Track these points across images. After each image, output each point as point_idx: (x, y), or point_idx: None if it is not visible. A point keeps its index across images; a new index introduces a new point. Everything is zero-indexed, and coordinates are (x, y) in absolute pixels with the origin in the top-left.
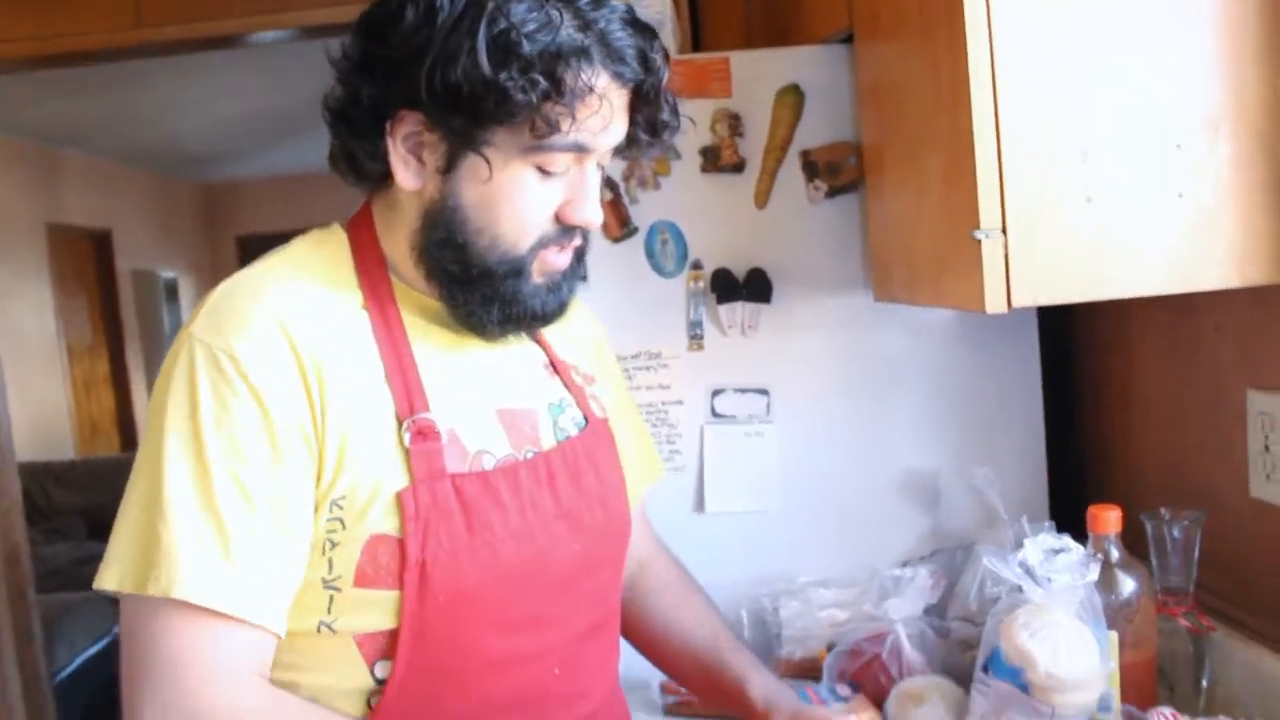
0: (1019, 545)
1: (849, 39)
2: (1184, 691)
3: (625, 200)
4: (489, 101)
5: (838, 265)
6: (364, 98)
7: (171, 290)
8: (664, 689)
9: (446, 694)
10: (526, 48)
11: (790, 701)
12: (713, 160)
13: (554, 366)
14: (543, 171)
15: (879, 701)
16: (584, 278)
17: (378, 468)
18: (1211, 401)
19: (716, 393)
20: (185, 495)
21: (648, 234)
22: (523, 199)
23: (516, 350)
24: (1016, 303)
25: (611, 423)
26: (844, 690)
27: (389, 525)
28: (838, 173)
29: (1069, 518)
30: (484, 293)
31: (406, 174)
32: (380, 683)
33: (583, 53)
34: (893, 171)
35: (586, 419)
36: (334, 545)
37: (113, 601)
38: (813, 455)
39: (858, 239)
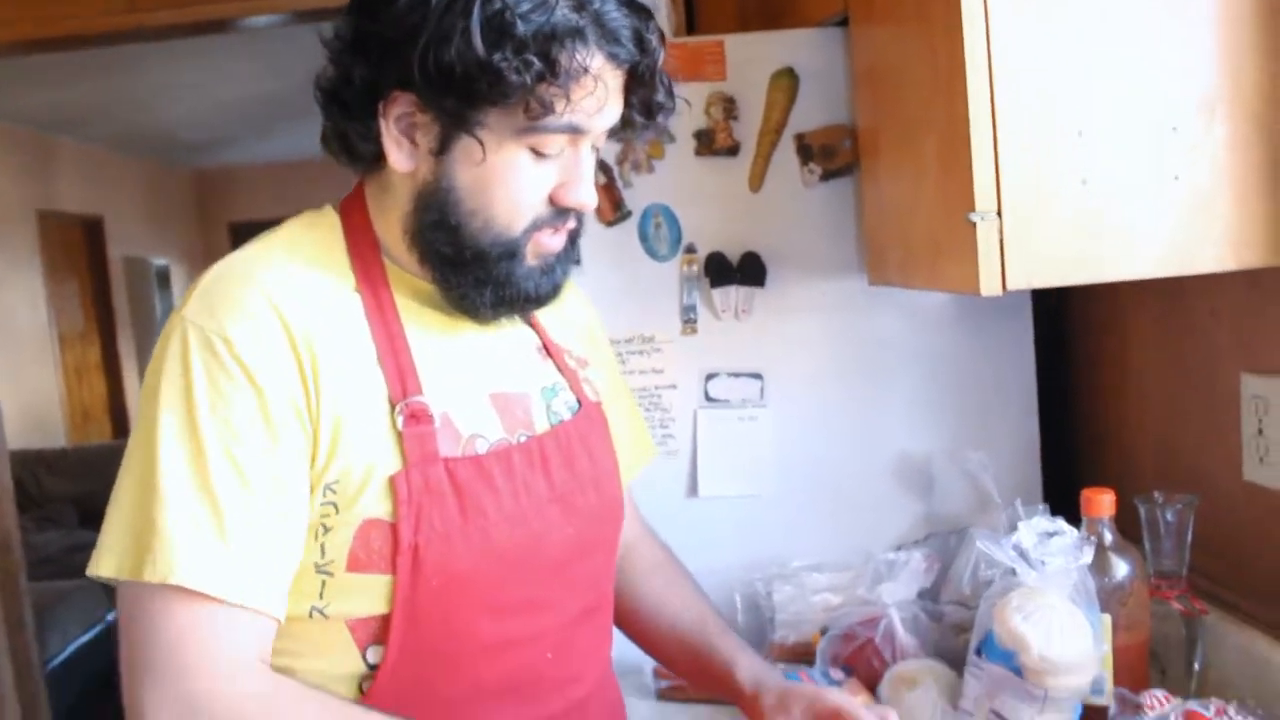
0: (1013, 529)
1: (844, 22)
2: (1176, 674)
3: (619, 184)
4: (483, 82)
5: (832, 249)
6: (356, 78)
7: (163, 277)
8: (657, 673)
9: (439, 678)
10: (521, 28)
11: (778, 682)
12: (707, 143)
13: (547, 350)
14: (537, 153)
15: (872, 685)
16: (577, 261)
17: (371, 451)
18: (1205, 385)
19: (710, 377)
20: (181, 479)
21: (641, 217)
22: (516, 181)
23: (510, 333)
24: (1011, 285)
25: (605, 406)
26: (837, 674)
27: (382, 509)
28: (832, 156)
29: (1062, 502)
30: (477, 275)
31: (399, 155)
32: (372, 668)
33: (577, 33)
34: (888, 155)
35: (580, 402)
36: (327, 530)
37: (106, 588)
38: (806, 439)
39: (852, 222)
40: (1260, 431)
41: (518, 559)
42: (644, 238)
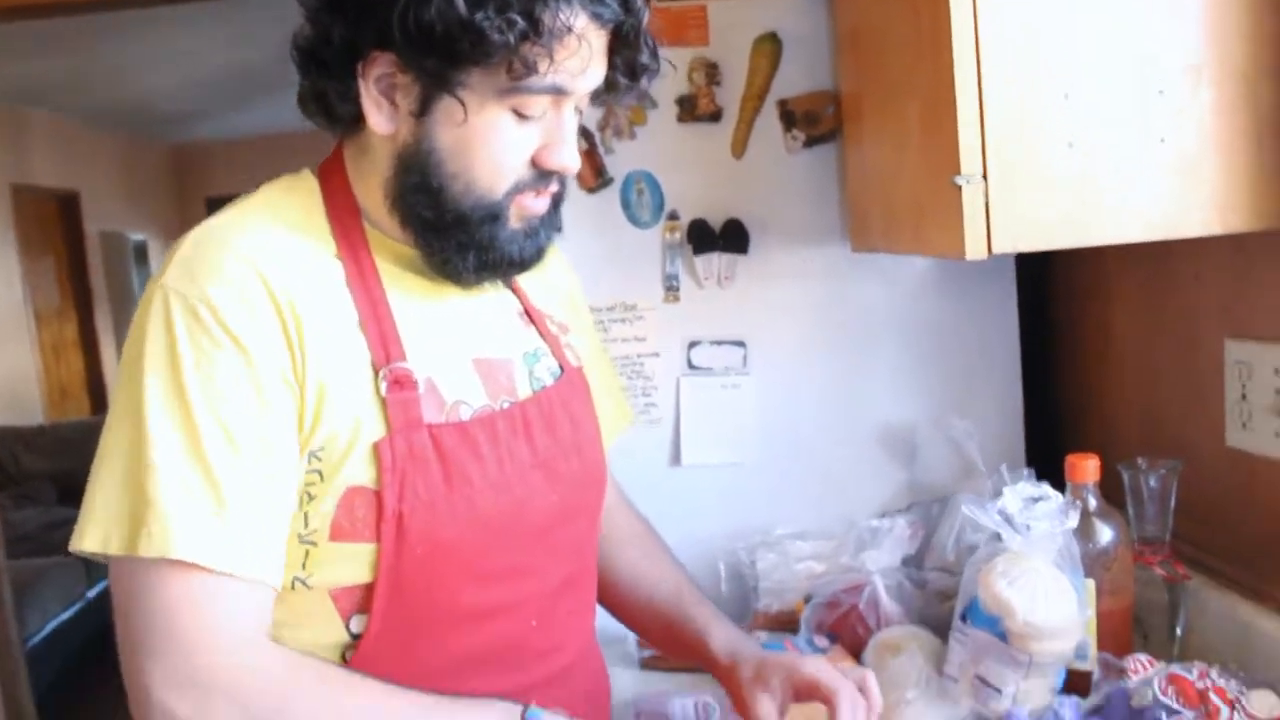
0: (997, 495)
1: None
2: (1159, 639)
3: (600, 150)
4: (464, 42)
5: (815, 215)
6: (334, 38)
7: (141, 252)
8: (639, 643)
9: (422, 647)
10: None
11: (754, 653)
12: (689, 109)
13: (529, 315)
14: (519, 115)
15: (857, 652)
16: (559, 228)
17: (355, 418)
18: (1189, 351)
19: (693, 345)
20: (172, 448)
21: (623, 184)
22: (499, 142)
23: (492, 298)
24: (997, 249)
25: (585, 372)
26: (822, 642)
27: (366, 476)
28: (816, 122)
29: (1046, 469)
30: (459, 239)
31: (379, 117)
32: (355, 637)
33: None
34: (871, 120)
35: (562, 368)
36: (311, 498)
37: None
38: (790, 407)
39: (835, 189)
40: (1244, 397)
41: (502, 526)
42: (626, 205)
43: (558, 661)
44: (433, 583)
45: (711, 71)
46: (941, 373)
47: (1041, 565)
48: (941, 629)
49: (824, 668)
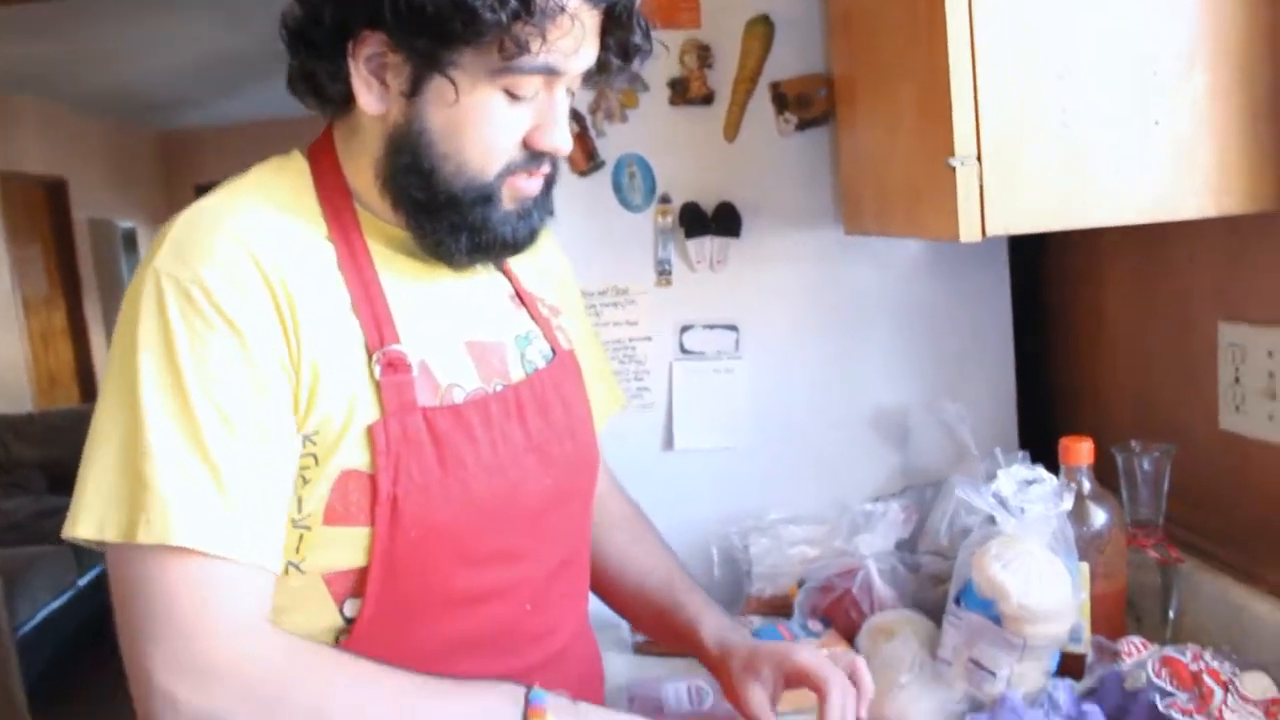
0: (990, 478)
1: None
2: (1151, 622)
3: (592, 133)
4: (456, 21)
5: (808, 198)
6: (325, 17)
7: (130, 240)
8: (633, 628)
9: (416, 631)
10: None
11: (744, 643)
12: (681, 92)
13: (520, 298)
14: (511, 95)
15: (850, 637)
16: (551, 211)
17: (349, 401)
18: (1182, 333)
19: (685, 329)
20: (169, 433)
21: (615, 168)
22: (490, 123)
23: (484, 281)
24: (991, 231)
25: (576, 355)
26: (815, 626)
27: (360, 460)
28: (808, 105)
29: (1039, 453)
30: (451, 220)
31: (369, 97)
32: (349, 621)
33: None
34: (865, 102)
35: (554, 351)
36: (305, 482)
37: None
38: (782, 391)
39: (828, 172)
40: (1237, 380)
41: (495, 509)
42: (618, 188)
43: (552, 645)
44: (426, 566)
45: (703, 54)
46: (934, 356)
47: (1036, 548)
48: (935, 613)
49: (815, 657)
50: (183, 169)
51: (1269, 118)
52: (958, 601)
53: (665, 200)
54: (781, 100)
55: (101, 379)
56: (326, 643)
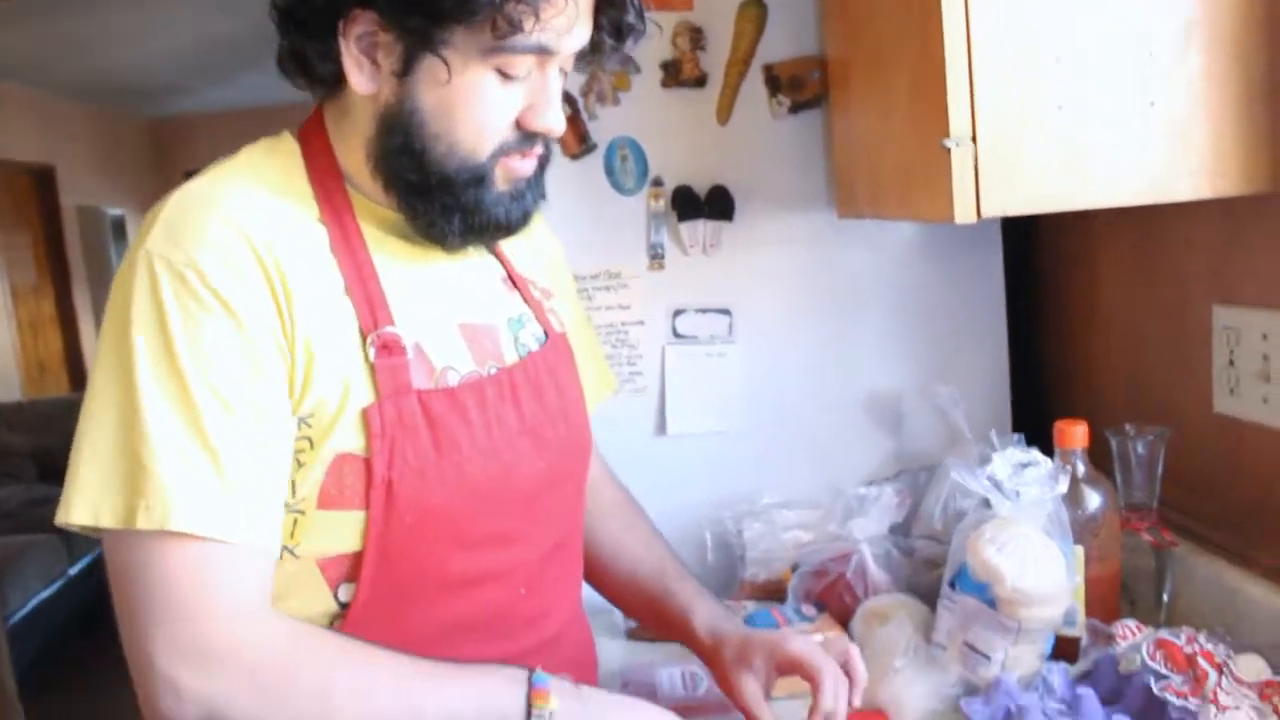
0: (984, 463)
1: None
2: (1145, 606)
3: (584, 116)
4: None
5: (801, 181)
6: None
7: (119, 227)
8: (626, 616)
9: (411, 616)
10: None
11: (737, 632)
12: (674, 75)
13: (512, 281)
14: (503, 75)
15: (844, 621)
16: (543, 195)
17: (343, 383)
18: (1176, 316)
19: (678, 313)
20: (165, 415)
21: (607, 151)
22: (482, 103)
23: (476, 263)
24: (986, 213)
25: (568, 338)
26: (809, 610)
27: (355, 443)
28: (801, 87)
29: (1033, 437)
30: (444, 202)
31: (360, 77)
32: (344, 606)
33: None
34: (858, 84)
35: (546, 334)
36: (300, 466)
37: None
38: (776, 375)
39: (821, 155)
40: (1231, 363)
41: (490, 493)
42: (610, 171)
43: (546, 629)
44: (421, 550)
45: (696, 36)
46: (928, 339)
47: (1031, 531)
48: (929, 597)
49: (807, 646)
50: (173, 156)
51: (1264, 99)
52: (952, 585)
53: (658, 183)
54: (774, 83)
55: (92, 364)
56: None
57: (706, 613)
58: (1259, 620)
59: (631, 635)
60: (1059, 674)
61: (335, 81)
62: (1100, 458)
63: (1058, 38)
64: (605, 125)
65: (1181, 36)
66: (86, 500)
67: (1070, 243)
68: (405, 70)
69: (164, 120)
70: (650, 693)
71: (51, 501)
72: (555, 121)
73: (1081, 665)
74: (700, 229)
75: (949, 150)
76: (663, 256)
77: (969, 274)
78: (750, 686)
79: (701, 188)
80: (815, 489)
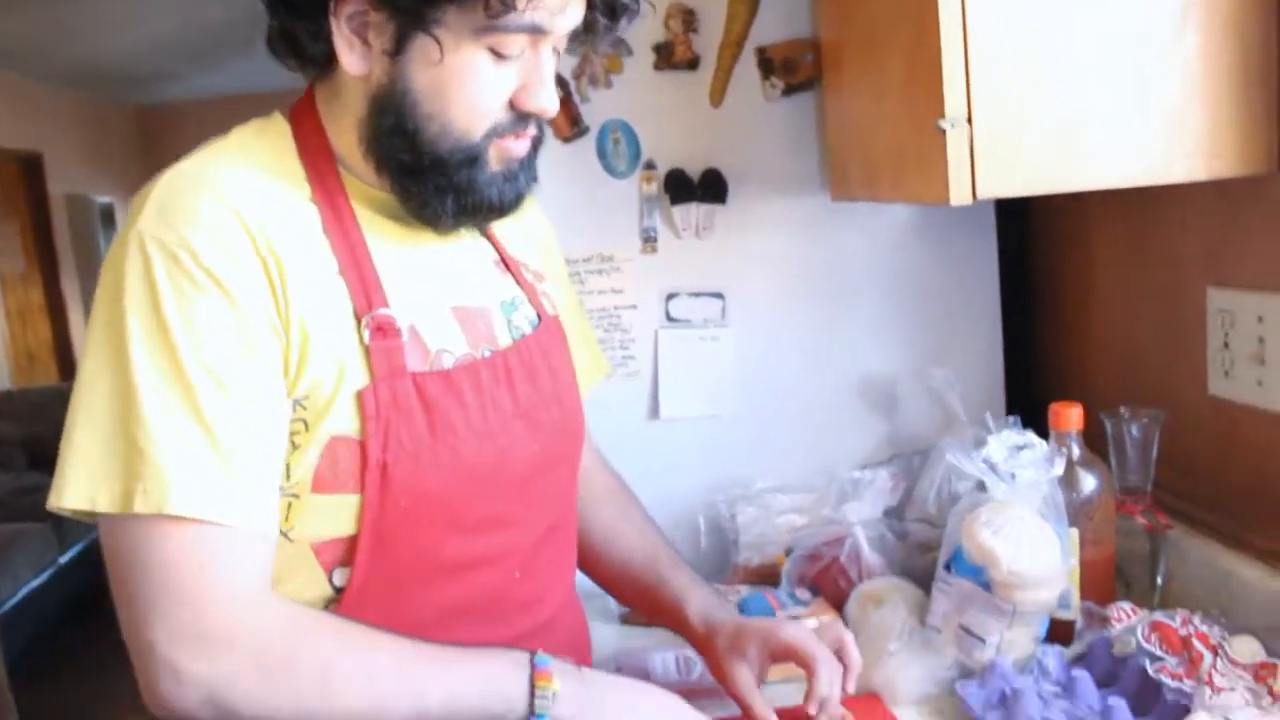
0: (979, 446)
1: None
2: (1140, 588)
3: (576, 99)
4: None
5: (794, 164)
6: None
7: (108, 215)
8: (619, 603)
9: (406, 600)
10: None
11: (730, 620)
12: (666, 57)
13: (505, 263)
14: (496, 54)
15: (839, 604)
16: (535, 177)
17: (338, 365)
18: (1171, 299)
19: (671, 296)
20: (162, 397)
21: (599, 134)
22: (475, 83)
23: (469, 246)
24: (981, 194)
25: (560, 321)
26: (803, 594)
27: (349, 426)
28: (794, 70)
29: (1027, 420)
30: (437, 183)
31: (352, 57)
32: (339, 590)
33: None
34: (852, 66)
35: (539, 317)
36: (295, 448)
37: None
38: (769, 359)
39: (814, 137)
40: (1226, 345)
41: (484, 476)
42: (602, 154)
43: (541, 613)
44: (416, 534)
45: (689, 18)
46: (922, 322)
47: (1026, 514)
48: (923, 580)
49: (801, 633)
50: (162, 144)
51: (1261, 80)
52: (947, 568)
53: (650, 166)
54: (767, 65)
55: (83, 347)
56: None
57: (700, 601)
58: (1253, 602)
59: (625, 620)
60: (1054, 657)
61: (326, 62)
62: (1095, 440)
63: (1053, 18)
64: (597, 108)
65: (1178, 17)
66: (81, 484)
67: (1064, 225)
68: (397, 50)
69: (152, 107)
70: (644, 677)
71: (41, 490)
72: (549, 101)
73: (1076, 648)
74: (693, 212)
75: (944, 132)
76: (655, 240)
77: (963, 256)
78: (744, 675)
79: (694, 171)
80: (809, 473)
